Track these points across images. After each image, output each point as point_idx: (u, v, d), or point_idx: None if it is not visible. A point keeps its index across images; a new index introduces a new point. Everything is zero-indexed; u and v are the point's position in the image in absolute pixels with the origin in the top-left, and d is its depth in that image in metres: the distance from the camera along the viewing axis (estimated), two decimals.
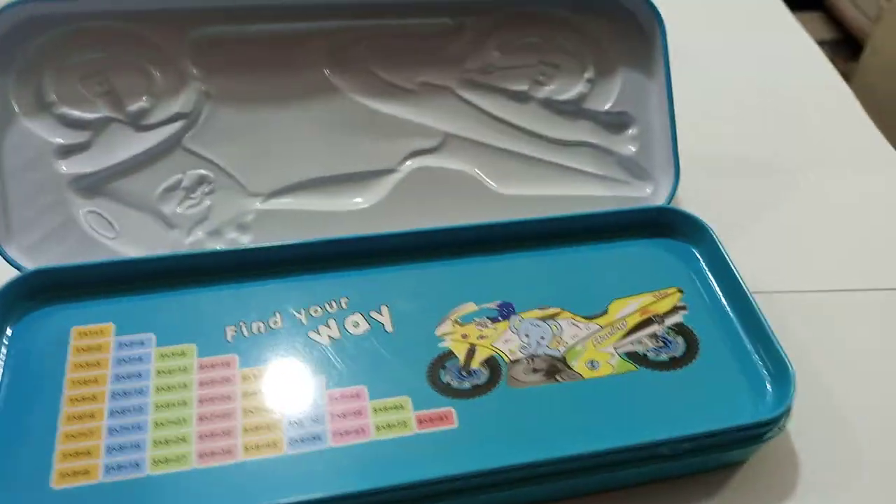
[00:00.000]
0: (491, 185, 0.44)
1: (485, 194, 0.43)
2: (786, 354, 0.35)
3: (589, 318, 0.38)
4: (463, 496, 0.31)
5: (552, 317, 0.38)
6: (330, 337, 0.37)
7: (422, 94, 0.43)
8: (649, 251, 0.42)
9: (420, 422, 0.34)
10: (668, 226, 0.42)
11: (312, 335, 0.37)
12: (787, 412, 0.34)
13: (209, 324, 0.36)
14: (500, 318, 0.38)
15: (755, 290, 0.38)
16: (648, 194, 0.44)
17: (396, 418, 0.34)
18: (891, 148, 0.54)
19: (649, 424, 0.34)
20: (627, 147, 0.44)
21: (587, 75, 0.44)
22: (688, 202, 0.45)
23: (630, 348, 0.37)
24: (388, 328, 0.37)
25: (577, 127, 0.44)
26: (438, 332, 0.37)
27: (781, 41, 0.64)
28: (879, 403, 0.38)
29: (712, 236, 0.40)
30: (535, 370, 0.36)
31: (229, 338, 0.36)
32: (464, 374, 0.36)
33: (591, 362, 0.36)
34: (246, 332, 0.36)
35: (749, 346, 0.37)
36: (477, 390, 0.35)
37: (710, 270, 0.40)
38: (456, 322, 0.38)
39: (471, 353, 0.36)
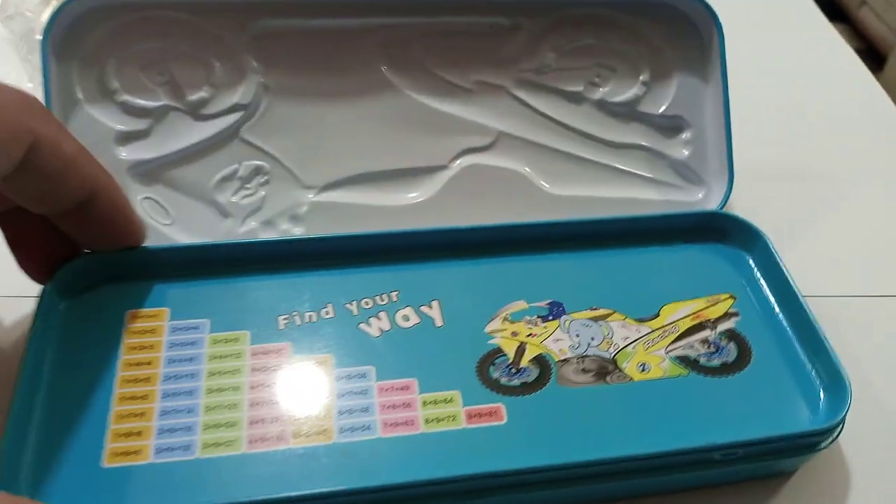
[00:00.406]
0: (542, 184, 0.43)
1: (536, 194, 0.43)
2: (841, 364, 0.34)
3: (640, 320, 0.38)
4: (510, 493, 0.31)
5: (603, 318, 0.38)
6: (381, 329, 0.37)
7: (476, 93, 0.43)
8: (702, 256, 0.41)
9: (469, 416, 0.34)
10: (721, 231, 0.42)
11: (363, 326, 0.37)
12: (841, 422, 0.33)
13: (262, 312, 0.37)
14: (550, 318, 0.38)
15: (807, 295, 0.37)
16: (700, 199, 0.44)
17: (446, 412, 0.34)
18: None
19: (700, 429, 0.34)
20: (680, 151, 0.44)
21: (642, 78, 0.43)
22: (737, 207, 0.45)
23: (681, 352, 0.37)
24: (438, 323, 0.37)
25: (630, 129, 0.44)
26: (488, 328, 0.37)
27: (819, 49, 0.64)
28: None
29: (766, 242, 0.40)
30: (584, 370, 0.36)
31: (282, 326, 0.36)
32: (513, 371, 0.36)
33: (642, 365, 0.36)
34: (298, 322, 0.36)
35: (803, 355, 0.37)
36: (526, 388, 0.35)
37: (763, 277, 0.40)
38: (506, 319, 0.37)
39: (520, 350, 0.36)
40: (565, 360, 0.36)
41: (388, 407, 0.34)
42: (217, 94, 0.40)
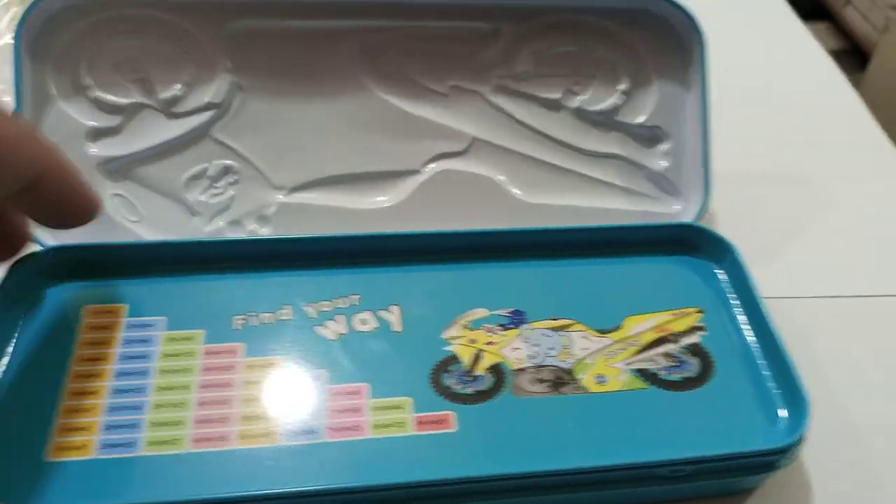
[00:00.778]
0: (516, 192, 0.43)
1: (508, 201, 0.43)
2: (802, 383, 0.34)
3: (602, 332, 0.37)
4: (454, 501, 0.31)
5: (564, 328, 0.37)
6: (337, 332, 0.36)
7: (452, 98, 0.42)
8: (671, 268, 0.41)
9: (419, 423, 0.33)
10: (692, 244, 0.41)
11: (319, 329, 0.36)
12: (800, 441, 0.32)
13: (219, 311, 0.37)
14: (510, 326, 0.37)
15: (778, 296, 0.37)
16: (677, 211, 0.43)
17: (394, 418, 0.33)
18: None
19: (654, 444, 0.33)
20: (658, 162, 0.43)
21: (622, 87, 0.43)
22: (714, 211, 0.44)
23: (641, 365, 0.36)
24: (397, 328, 0.37)
25: (608, 139, 0.43)
26: (446, 335, 0.37)
27: (791, 51, 0.64)
28: None
29: (737, 257, 0.39)
30: (540, 380, 0.35)
31: (237, 326, 0.36)
32: (467, 378, 0.35)
33: (600, 377, 0.36)
34: (254, 322, 0.36)
35: (766, 373, 0.36)
36: (479, 396, 0.35)
37: (732, 291, 0.39)
38: (465, 326, 0.37)
39: (476, 358, 0.36)
40: (521, 370, 0.36)
41: (337, 411, 0.33)
42: (190, 92, 0.40)
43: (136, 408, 0.33)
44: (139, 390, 0.34)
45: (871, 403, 0.38)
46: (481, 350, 0.36)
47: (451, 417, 0.34)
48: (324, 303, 0.37)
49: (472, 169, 0.43)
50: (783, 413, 0.34)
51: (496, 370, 0.36)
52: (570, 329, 0.37)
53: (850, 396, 0.38)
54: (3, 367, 0.34)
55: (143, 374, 0.34)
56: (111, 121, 0.40)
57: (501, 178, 0.43)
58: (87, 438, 0.32)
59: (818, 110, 0.57)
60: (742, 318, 0.38)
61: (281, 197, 0.42)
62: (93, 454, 0.31)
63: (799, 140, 0.55)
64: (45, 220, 0.34)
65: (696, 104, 0.42)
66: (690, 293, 0.39)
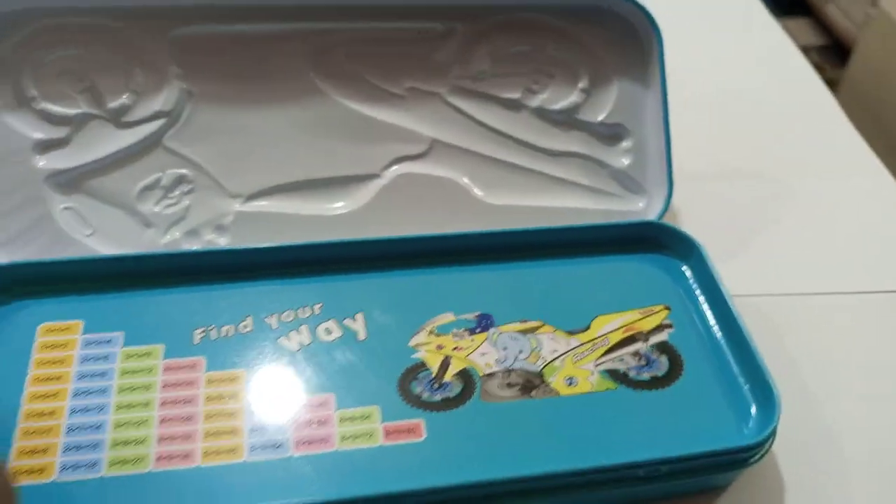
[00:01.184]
0: (478, 194, 0.43)
1: (471, 203, 0.42)
2: (772, 378, 0.33)
3: (570, 333, 0.37)
4: None
5: (532, 330, 0.37)
6: (300, 343, 0.36)
7: (410, 100, 0.42)
8: (637, 267, 0.40)
9: (387, 433, 0.33)
10: (657, 241, 0.41)
11: (282, 341, 0.36)
12: (770, 437, 0.32)
13: (178, 325, 0.36)
14: (478, 330, 0.37)
15: (747, 294, 0.37)
16: (641, 208, 0.43)
17: (362, 429, 0.33)
18: (872, 153, 0.53)
19: (626, 445, 0.33)
20: (620, 160, 0.43)
21: (581, 85, 0.43)
22: (678, 213, 0.44)
23: (611, 366, 0.36)
24: (361, 336, 0.36)
25: (569, 137, 0.43)
26: (413, 342, 0.36)
27: (765, 48, 0.64)
28: (867, 416, 0.37)
29: (702, 253, 0.39)
30: (510, 385, 0.35)
31: (197, 340, 0.35)
32: (435, 385, 0.34)
33: (570, 379, 0.35)
34: (214, 336, 0.35)
35: (735, 368, 0.36)
36: (448, 403, 0.34)
37: (698, 288, 0.39)
38: (432, 333, 0.36)
39: (444, 364, 0.35)
40: (490, 375, 0.35)
41: (303, 424, 0.33)
42: (139, 100, 0.39)
43: (97, 427, 0.32)
44: (99, 409, 0.33)
45: (841, 398, 0.38)
46: (449, 356, 0.36)
47: (421, 426, 0.33)
48: (286, 313, 0.37)
49: (433, 171, 0.42)
50: (753, 410, 0.34)
51: (464, 376, 0.35)
52: (538, 331, 0.37)
53: (820, 391, 0.38)
54: None
55: (102, 391, 0.33)
56: (58, 132, 0.39)
57: (463, 180, 0.43)
58: (48, 461, 0.31)
59: (789, 108, 0.57)
60: (709, 315, 0.38)
61: (238, 205, 0.41)
62: (54, 476, 0.30)
63: (766, 137, 0.54)
64: None
65: (656, 101, 0.42)
66: (657, 290, 0.39)
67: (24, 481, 0.30)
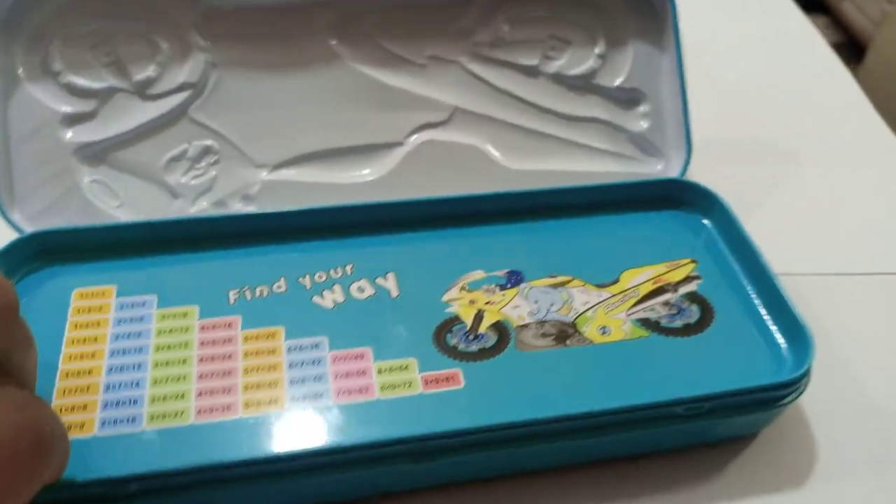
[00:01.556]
0: (500, 159, 0.43)
1: (493, 169, 0.43)
2: (803, 319, 0.34)
3: (600, 286, 0.37)
4: (470, 453, 0.30)
5: (562, 284, 0.37)
6: (334, 301, 0.36)
7: (430, 68, 0.42)
8: (661, 223, 0.41)
9: (426, 382, 0.33)
10: (680, 198, 0.41)
11: (316, 299, 0.36)
12: (806, 374, 0.32)
13: (212, 287, 0.36)
14: (508, 286, 0.37)
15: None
16: (659, 171, 0.43)
17: (402, 378, 0.33)
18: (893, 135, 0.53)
19: (663, 387, 0.33)
20: (638, 123, 0.43)
21: (598, 50, 0.43)
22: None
23: (643, 315, 0.36)
24: (394, 293, 0.36)
25: (587, 102, 0.44)
26: (445, 297, 0.36)
27: (787, 32, 0.64)
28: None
29: (725, 206, 0.39)
30: (544, 335, 0.35)
31: (232, 301, 0.35)
32: (471, 337, 0.35)
33: (603, 328, 0.35)
34: (249, 296, 0.36)
35: (765, 313, 0.36)
36: (484, 353, 0.34)
37: (723, 241, 0.39)
38: (463, 289, 0.37)
39: (478, 317, 0.35)
40: (524, 326, 0.35)
41: (343, 375, 0.33)
42: (164, 73, 0.40)
43: (136, 384, 0.32)
44: (137, 367, 0.33)
45: (870, 357, 0.38)
46: (482, 310, 0.36)
47: (459, 374, 0.33)
48: (318, 273, 0.37)
49: (455, 138, 0.43)
50: (788, 349, 0.34)
51: (499, 327, 0.35)
52: (568, 285, 0.37)
53: (846, 358, 0.38)
54: None
55: (139, 350, 0.33)
56: (85, 105, 0.39)
57: (485, 146, 0.43)
58: (87, 416, 0.31)
59: (808, 88, 0.57)
60: (735, 264, 0.38)
61: (264, 175, 0.41)
62: (94, 432, 0.30)
63: (782, 113, 0.55)
64: None
65: (672, 65, 0.43)
66: (682, 245, 0.39)
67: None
